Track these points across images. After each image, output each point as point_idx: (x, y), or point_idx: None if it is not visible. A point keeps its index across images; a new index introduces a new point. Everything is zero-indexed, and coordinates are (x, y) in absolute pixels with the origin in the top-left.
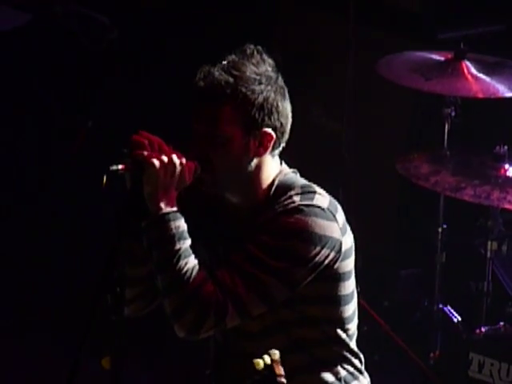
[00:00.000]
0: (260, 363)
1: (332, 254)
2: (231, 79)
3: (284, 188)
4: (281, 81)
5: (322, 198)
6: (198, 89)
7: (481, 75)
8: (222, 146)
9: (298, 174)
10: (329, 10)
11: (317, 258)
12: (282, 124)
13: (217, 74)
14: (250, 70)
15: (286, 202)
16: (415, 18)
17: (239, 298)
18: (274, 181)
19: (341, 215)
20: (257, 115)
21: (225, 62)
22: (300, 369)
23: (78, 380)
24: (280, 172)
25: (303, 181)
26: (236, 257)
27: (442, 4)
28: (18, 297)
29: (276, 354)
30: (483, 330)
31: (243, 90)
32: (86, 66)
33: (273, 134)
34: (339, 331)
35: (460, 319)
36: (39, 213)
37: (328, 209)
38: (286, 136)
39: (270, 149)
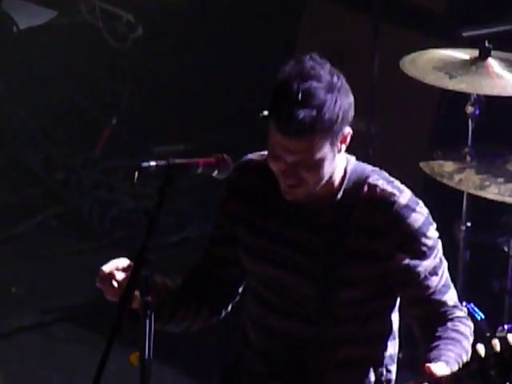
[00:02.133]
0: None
1: None
2: (314, 113)
3: (360, 176)
4: (343, 80)
5: (401, 184)
6: (285, 130)
7: (505, 73)
8: (315, 168)
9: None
10: (353, 9)
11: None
12: (352, 115)
13: (300, 113)
14: (324, 92)
15: (381, 196)
16: (440, 16)
17: (456, 303)
18: (346, 166)
19: None
20: (340, 127)
21: (298, 92)
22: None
23: (105, 376)
24: (348, 161)
25: (369, 166)
26: (423, 286)
27: (467, 2)
28: (49, 291)
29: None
30: (506, 327)
31: (327, 116)
32: (112, 63)
33: (350, 130)
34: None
35: (483, 317)
36: (65, 210)
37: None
38: None
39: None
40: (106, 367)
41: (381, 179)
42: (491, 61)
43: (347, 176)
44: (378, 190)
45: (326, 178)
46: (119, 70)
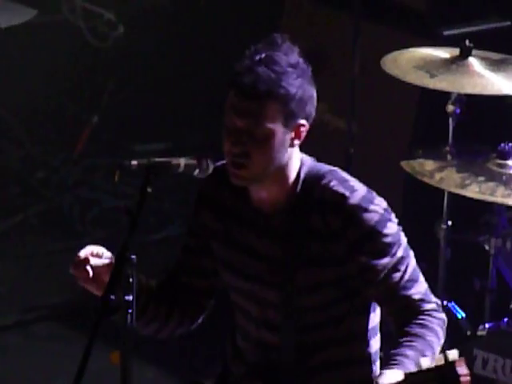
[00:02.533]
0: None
1: None
2: (273, 75)
3: (314, 177)
4: (309, 70)
5: (357, 182)
6: (241, 85)
7: (486, 72)
8: (263, 142)
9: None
10: (334, 7)
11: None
12: (311, 113)
13: (259, 70)
14: (287, 64)
15: (332, 197)
16: (421, 14)
17: (424, 295)
18: (299, 171)
19: None
20: (296, 108)
21: (262, 56)
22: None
23: (86, 375)
24: (302, 162)
25: (325, 167)
26: (385, 285)
27: (448, 1)
28: (27, 291)
29: (455, 353)
30: (487, 326)
31: (285, 85)
32: (92, 62)
33: (306, 123)
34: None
35: (464, 316)
36: (45, 209)
37: (367, 188)
38: (312, 121)
39: (301, 138)
40: (87, 366)
41: (334, 180)
42: (472, 60)
43: (301, 178)
44: (330, 191)
45: (274, 164)
46: (100, 69)
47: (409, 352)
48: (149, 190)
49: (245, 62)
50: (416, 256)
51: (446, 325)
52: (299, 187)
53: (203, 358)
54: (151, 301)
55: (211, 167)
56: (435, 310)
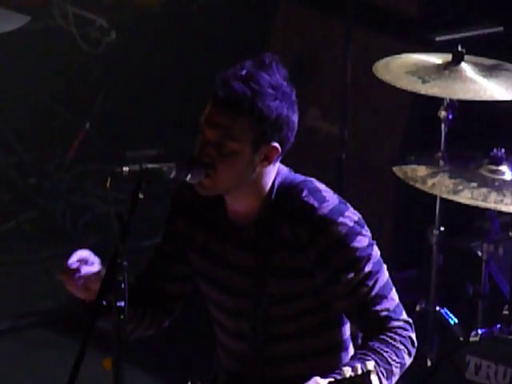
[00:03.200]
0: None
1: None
2: (249, 93)
3: (287, 189)
4: (294, 95)
5: (330, 193)
6: (215, 97)
7: (478, 78)
8: (228, 157)
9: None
10: (326, 13)
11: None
12: (288, 137)
13: (236, 85)
14: (268, 84)
15: (302, 209)
16: (413, 20)
17: (391, 313)
18: (273, 182)
19: None
20: (268, 131)
21: (243, 72)
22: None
23: (79, 381)
24: (278, 173)
25: (300, 177)
26: (352, 299)
27: (440, 6)
28: (19, 297)
29: (372, 364)
30: (480, 332)
31: (259, 105)
32: (85, 68)
33: (279, 148)
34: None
35: (456, 321)
36: (38, 215)
37: (340, 200)
38: (289, 145)
39: (274, 161)
40: (79, 372)
41: (305, 190)
42: (464, 65)
43: (274, 189)
44: (299, 202)
45: (239, 180)
46: (92, 75)
47: (357, 364)
48: (140, 196)
49: (226, 75)
50: (408, 262)
51: (414, 344)
52: (272, 198)
53: (197, 364)
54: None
55: (203, 172)
56: (402, 328)
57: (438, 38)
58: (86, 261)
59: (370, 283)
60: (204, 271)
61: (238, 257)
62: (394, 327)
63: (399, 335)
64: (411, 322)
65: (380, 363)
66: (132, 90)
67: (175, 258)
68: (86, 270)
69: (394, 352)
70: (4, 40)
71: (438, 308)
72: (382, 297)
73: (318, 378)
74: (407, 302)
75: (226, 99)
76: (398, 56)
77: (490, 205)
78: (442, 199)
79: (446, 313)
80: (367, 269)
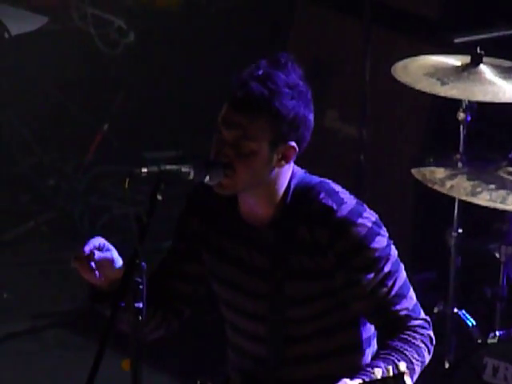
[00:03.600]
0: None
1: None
2: (267, 93)
3: (303, 190)
4: (310, 94)
5: (347, 194)
6: (232, 97)
7: (497, 80)
8: (246, 157)
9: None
10: (345, 14)
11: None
12: (305, 136)
13: (253, 85)
14: (284, 84)
15: (320, 210)
16: (432, 22)
17: (410, 312)
18: (289, 183)
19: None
20: (286, 130)
21: (260, 72)
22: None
23: (97, 382)
24: (293, 174)
25: (316, 179)
26: (372, 299)
27: (460, 8)
28: (38, 298)
29: (404, 365)
30: (498, 334)
31: (277, 105)
32: (103, 69)
33: (296, 147)
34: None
35: (475, 323)
36: (56, 216)
37: (357, 201)
38: (306, 144)
39: (291, 160)
40: (97, 373)
41: (322, 192)
42: (483, 67)
43: (290, 191)
44: (317, 204)
45: (257, 179)
46: (111, 76)
47: (382, 364)
48: (159, 197)
49: (243, 75)
50: (426, 264)
51: (432, 342)
52: (288, 200)
53: (212, 365)
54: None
55: (222, 173)
56: (421, 327)
57: (456, 40)
58: (101, 248)
59: (390, 283)
60: (218, 272)
61: (253, 259)
62: (414, 326)
63: (419, 334)
64: (429, 320)
65: (403, 361)
66: (150, 91)
67: (188, 257)
68: (100, 255)
69: (416, 350)
70: (23, 41)
71: (456, 310)
72: (401, 296)
73: (347, 380)
74: (425, 304)
75: (243, 99)
76: (416, 58)
77: (509, 207)
78: (461, 201)
79: (464, 315)
80: (386, 269)
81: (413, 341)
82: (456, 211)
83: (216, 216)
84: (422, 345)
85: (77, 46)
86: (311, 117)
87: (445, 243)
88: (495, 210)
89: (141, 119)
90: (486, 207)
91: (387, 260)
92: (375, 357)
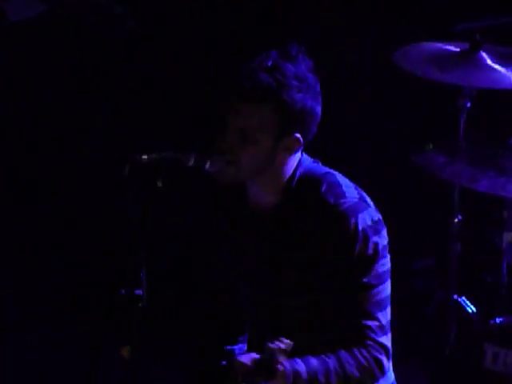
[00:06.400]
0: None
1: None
2: (274, 84)
3: (308, 180)
4: (318, 86)
5: (351, 189)
6: (240, 87)
7: (496, 66)
8: (251, 146)
9: (320, 163)
10: (344, 1)
11: (385, 242)
12: (311, 128)
13: (262, 75)
14: (293, 76)
15: (318, 203)
16: (431, 9)
17: (372, 332)
18: (294, 172)
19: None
20: (292, 122)
21: (269, 63)
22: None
23: (98, 368)
24: (300, 163)
25: (322, 169)
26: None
27: None
28: (36, 286)
29: (288, 344)
30: (498, 321)
31: (284, 96)
32: (103, 57)
33: (301, 139)
34: None
35: (475, 310)
36: (49, 209)
37: (360, 197)
38: (311, 136)
39: (295, 151)
40: (97, 361)
41: (325, 184)
42: (483, 54)
43: (295, 179)
44: (317, 196)
45: (260, 168)
46: (111, 63)
47: (314, 361)
48: (159, 184)
49: (251, 65)
50: (426, 250)
51: (381, 367)
52: (293, 187)
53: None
54: None
55: (222, 160)
56: (375, 349)
57: (455, 27)
58: None
59: (363, 296)
60: (228, 260)
61: (255, 245)
62: (368, 345)
63: (369, 353)
64: (388, 348)
65: (335, 367)
66: (152, 78)
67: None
68: None
69: (354, 365)
70: (22, 27)
71: (456, 297)
72: (370, 313)
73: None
74: (426, 291)
75: (251, 89)
76: (416, 44)
77: (509, 193)
78: (461, 188)
79: (464, 301)
80: (365, 279)
81: (358, 356)
82: (456, 198)
83: (224, 205)
84: (366, 364)
85: (76, 32)
86: (318, 109)
87: (445, 230)
88: (495, 196)
89: (141, 107)
90: (486, 194)
91: (369, 270)
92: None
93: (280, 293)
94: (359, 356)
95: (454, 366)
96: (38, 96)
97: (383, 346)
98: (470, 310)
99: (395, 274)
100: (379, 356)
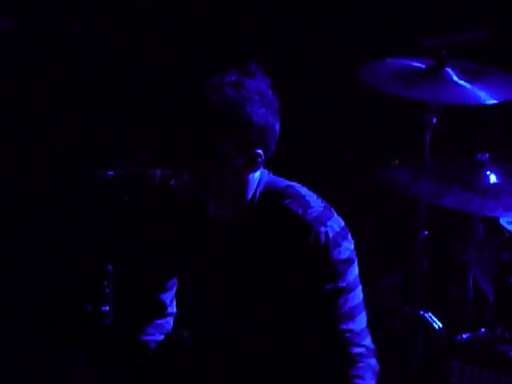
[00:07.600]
0: None
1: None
2: (239, 99)
3: (270, 194)
4: (277, 104)
5: (314, 198)
6: (204, 101)
7: (462, 82)
8: (215, 161)
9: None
10: (312, 16)
11: (353, 246)
12: (271, 145)
13: (227, 90)
14: (255, 91)
15: (286, 215)
16: (397, 25)
17: (354, 335)
18: (256, 188)
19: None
20: (254, 137)
21: (233, 78)
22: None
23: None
24: (261, 178)
25: (283, 182)
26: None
27: (424, 11)
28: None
29: None
30: (464, 337)
31: (248, 111)
32: (72, 71)
33: (263, 154)
34: None
35: (441, 326)
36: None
37: (325, 205)
38: (270, 154)
39: (257, 167)
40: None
41: (289, 196)
42: (448, 70)
43: (257, 194)
44: (283, 208)
45: (219, 184)
46: (77, 79)
47: None
48: (125, 200)
49: (214, 80)
50: (393, 266)
51: (372, 369)
52: (255, 202)
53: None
54: None
55: (187, 177)
56: (361, 355)
57: (422, 43)
58: None
59: (342, 300)
60: (183, 274)
61: (217, 261)
62: (353, 355)
63: (363, 363)
64: (372, 348)
65: None
66: (121, 92)
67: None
68: None
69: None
70: None
71: (422, 312)
72: (349, 317)
73: None
74: (392, 307)
75: (216, 104)
76: (382, 60)
77: (474, 209)
78: (427, 203)
79: (430, 317)
80: (342, 284)
81: (363, 375)
82: (422, 214)
83: (183, 219)
84: (367, 374)
85: (42, 48)
86: (278, 127)
87: (411, 246)
88: (461, 212)
89: (109, 123)
90: (451, 209)
91: (344, 274)
92: None
93: (246, 307)
94: (363, 374)
95: (420, 382)
96: (0, 111)
97: (368, 349)
98: (437, 326)
99: (362, 289)
100: (367, 361)
